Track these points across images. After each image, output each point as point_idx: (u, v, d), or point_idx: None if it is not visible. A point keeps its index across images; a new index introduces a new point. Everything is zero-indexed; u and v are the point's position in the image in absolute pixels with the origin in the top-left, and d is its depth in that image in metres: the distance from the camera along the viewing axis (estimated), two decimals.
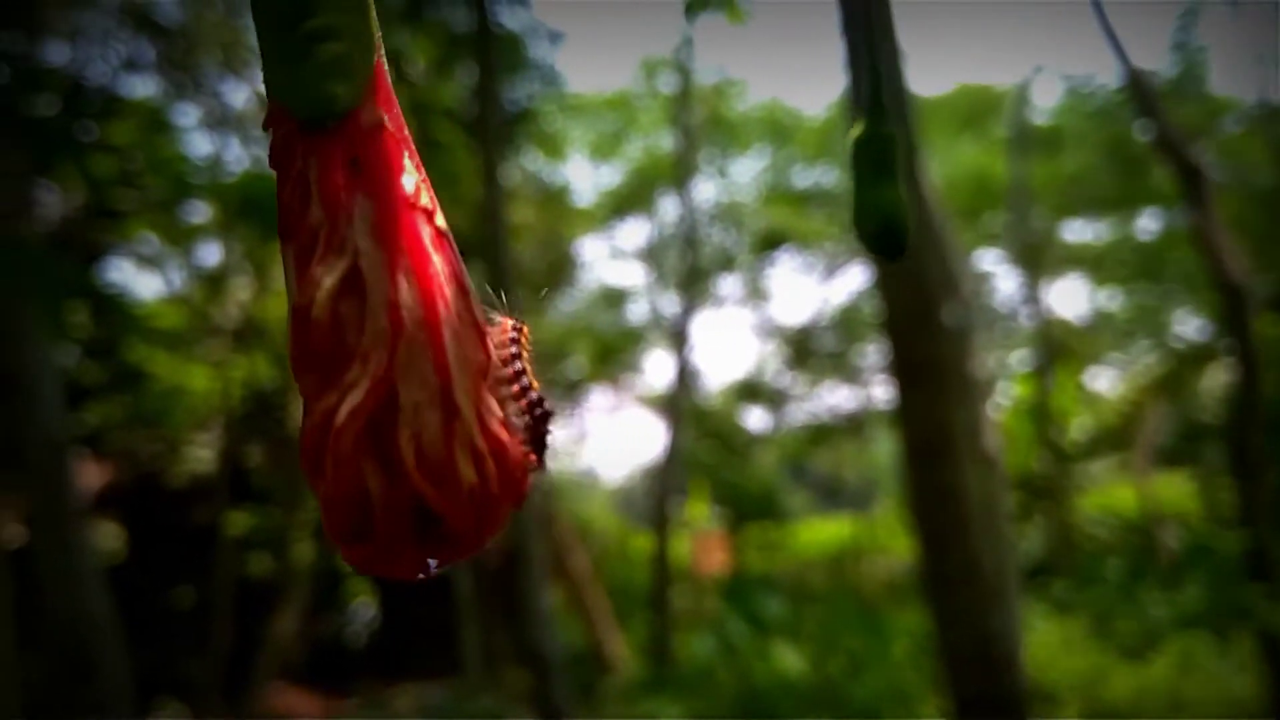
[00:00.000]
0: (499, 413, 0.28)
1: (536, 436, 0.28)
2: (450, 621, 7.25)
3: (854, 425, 12.40)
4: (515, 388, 0.29)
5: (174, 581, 7.64)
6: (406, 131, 0.31)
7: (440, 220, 0.29)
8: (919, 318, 2.68)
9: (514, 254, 7.37)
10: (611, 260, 13.60)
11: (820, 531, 11.96)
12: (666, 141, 10.46)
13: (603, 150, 11.42)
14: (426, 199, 0.30)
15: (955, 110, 11.11)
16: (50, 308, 1.44)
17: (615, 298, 12.07)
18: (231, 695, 6.56)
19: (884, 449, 12.14)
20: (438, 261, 0.28)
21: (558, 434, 0.29)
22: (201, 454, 7.64)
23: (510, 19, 6.26)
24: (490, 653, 7.57)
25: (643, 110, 10.95)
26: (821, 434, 12.68)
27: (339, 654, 8.46)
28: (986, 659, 2.58)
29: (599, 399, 11.97)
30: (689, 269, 9.46)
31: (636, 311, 12.21)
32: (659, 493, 8.75)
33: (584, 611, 8.09)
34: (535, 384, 0.29)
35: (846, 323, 11.72)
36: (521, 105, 6.90)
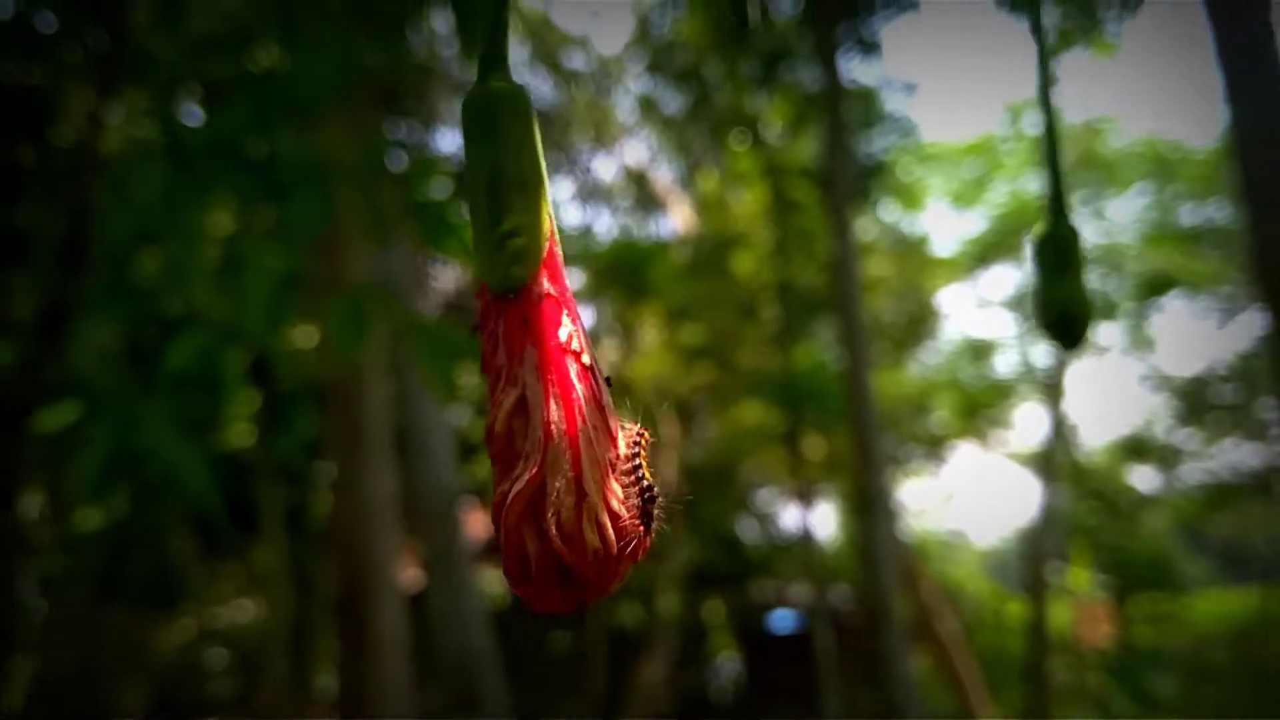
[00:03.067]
0: (621, 495, 0.39)
1: (645, 514, 0.39)
2: (813, 680, 7.18)
3: (1260, 485, 11.10)
4: (632, 478, 0.40)
5: (551, 626, 8.10)
6: (569, 293, 0.43)
7: (587, 358, 0.41)
8: None
9: (870, 308, 7.28)
10: (978, 310, 13.10)
11: (1221, 603, 10.74)
12: (1033, 184, 10.00)
13: (965, 198, 11.07)
14: (578, 343, 0.41)
15: None
16: (442, 372, 1.61)
17: (982, 349, 11.59)
18: None
19: None
20: (580, 389, 0.40)
21: (661, 513, 0.40)
22: None
23: (863, 75, 6.26)
24: (852, 712, 7.41)
25: (1007, 154, 10.54)
26: (1222, 495, 11.44)
27: (705, 706, 8.60)
28: None
29: (966, 456, 11.50)
30: None
31: (1005, 363, 11.65)
32: (1035, 557, 8.24)
33: (953, 677, 7.73)
34: (649, 476, 0.40)
35: (1247, 372, 10.57)
36: (877, 158, 6.86)
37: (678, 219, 7.96)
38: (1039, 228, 0.62)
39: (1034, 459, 9.96)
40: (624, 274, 6.85)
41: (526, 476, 0.38)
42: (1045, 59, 0.71)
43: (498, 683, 4.10)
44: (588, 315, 7.82)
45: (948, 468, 10.92)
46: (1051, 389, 8.46)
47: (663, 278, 7.01)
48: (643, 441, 0.41)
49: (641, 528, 0.39)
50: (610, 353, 7.72)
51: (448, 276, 7.57)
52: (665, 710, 7.62)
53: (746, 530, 9.70)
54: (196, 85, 2.54)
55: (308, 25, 2.04)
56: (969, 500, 15.01)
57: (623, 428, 0.42)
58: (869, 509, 4.92)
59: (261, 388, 4.76)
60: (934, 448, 10.77)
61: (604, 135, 7.19)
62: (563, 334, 0.41)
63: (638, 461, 0.40)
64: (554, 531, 0.37)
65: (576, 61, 7.28)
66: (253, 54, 2.30)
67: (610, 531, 0.38)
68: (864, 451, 4.95)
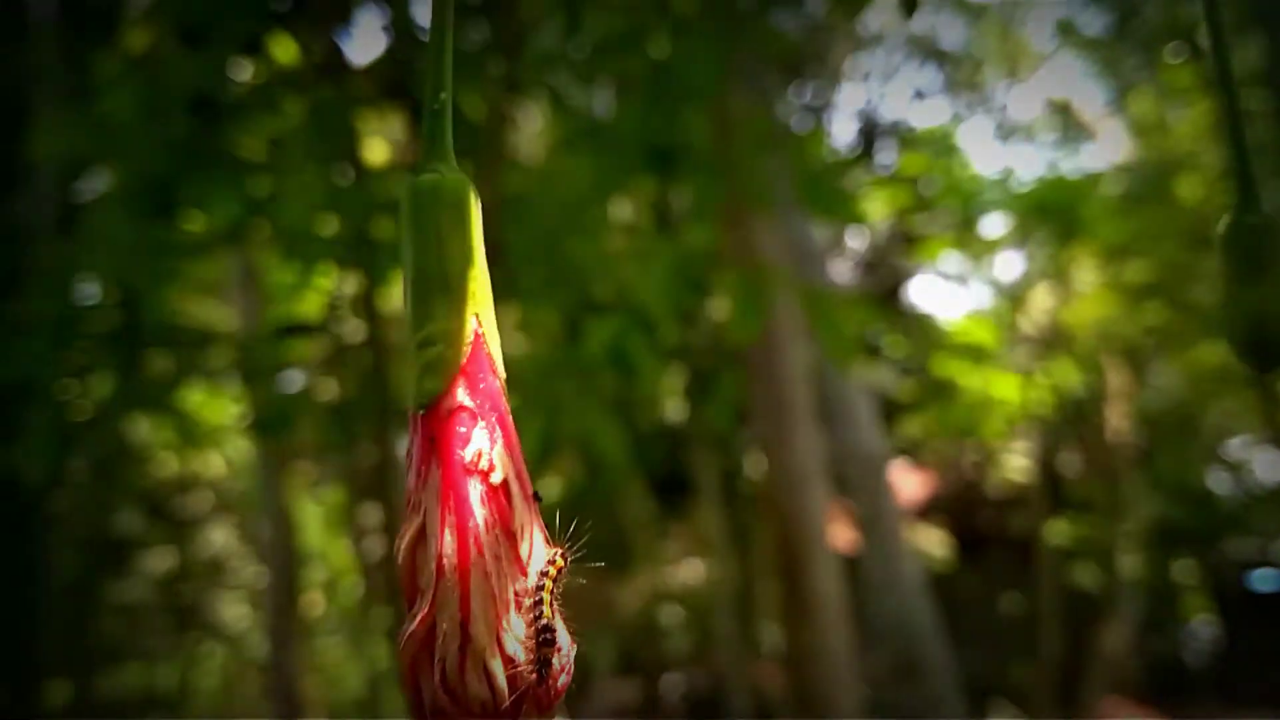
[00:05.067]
0: (520, 636, 0.35)
1: (541, 658, 0.35)
2: None
3: None
4: (533, 615, 0.35)
5: (1001, 588, 7.80)
6: (495, 400, 0.39)
7: (499, 476, 0.37)
8: None
9: None
10: None
11: None
12: None
13: None
14: (487, 462, 0.37)
15: None
16: (840, 339, 1.60)
17: None
18: (1063, 703, 6.50)
19: None
20: (482, 515, 0.36)
21: (560, 657, 0.35)
22: (1018, 463, 7.72)
23: None
24: None
25: None
26: None
27: (1178, 672, 7.92)
28: None
29: None
30: None
31: None
32: None
33: None
34: (549, 613, 0.35)
35: None
36: None
37: (1109, 148, 7.32)
38: (1225, 219, 0.50)
39: None
40: (1053, 213, 6.41)
41: (419, 616, 0.35)
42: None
43: (939, 650, 4.01)
44: (1016, 261, 7.42)
45: None
46: None
47: (1097, 213, 6.48)
48: (552, 571, 0.37)
49: (535, 674, 0.35)
50: (1045, 299, 7.27)
51: (865, 237, 7.49)
52: (1129, 678, 7.10)
53: (1218, 483, 8.80)
54: (598, 79, 2.67)
55: (691, 17, 2.08)
56: None
57: (541, 553, 0.37)
58: None
59: (688, 361, 4.97)
60: None
61: (1019, 68, 6.76)
62: (469, 452, 0.37)
63: (540, 596, 0.36)
64: (438, 680, 0.34)
65: None
66: (645, 47, 2.38)
67: (500, 680, 0.34)
68: None
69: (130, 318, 2.71)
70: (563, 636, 0.36)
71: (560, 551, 0.38)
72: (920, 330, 7.42)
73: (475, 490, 0.37)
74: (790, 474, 3.64)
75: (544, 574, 0.37)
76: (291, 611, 5.06)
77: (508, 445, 0.38)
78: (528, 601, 0.36)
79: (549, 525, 0.39)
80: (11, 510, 3.49)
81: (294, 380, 3.25)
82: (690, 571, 7.57)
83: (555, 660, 0.35)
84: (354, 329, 3.62)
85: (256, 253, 3.42)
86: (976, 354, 6.86)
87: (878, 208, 7.11)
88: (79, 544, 4.45)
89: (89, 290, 2.73)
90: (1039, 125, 7.00)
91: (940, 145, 6.53)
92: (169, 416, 4.91)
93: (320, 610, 6.37)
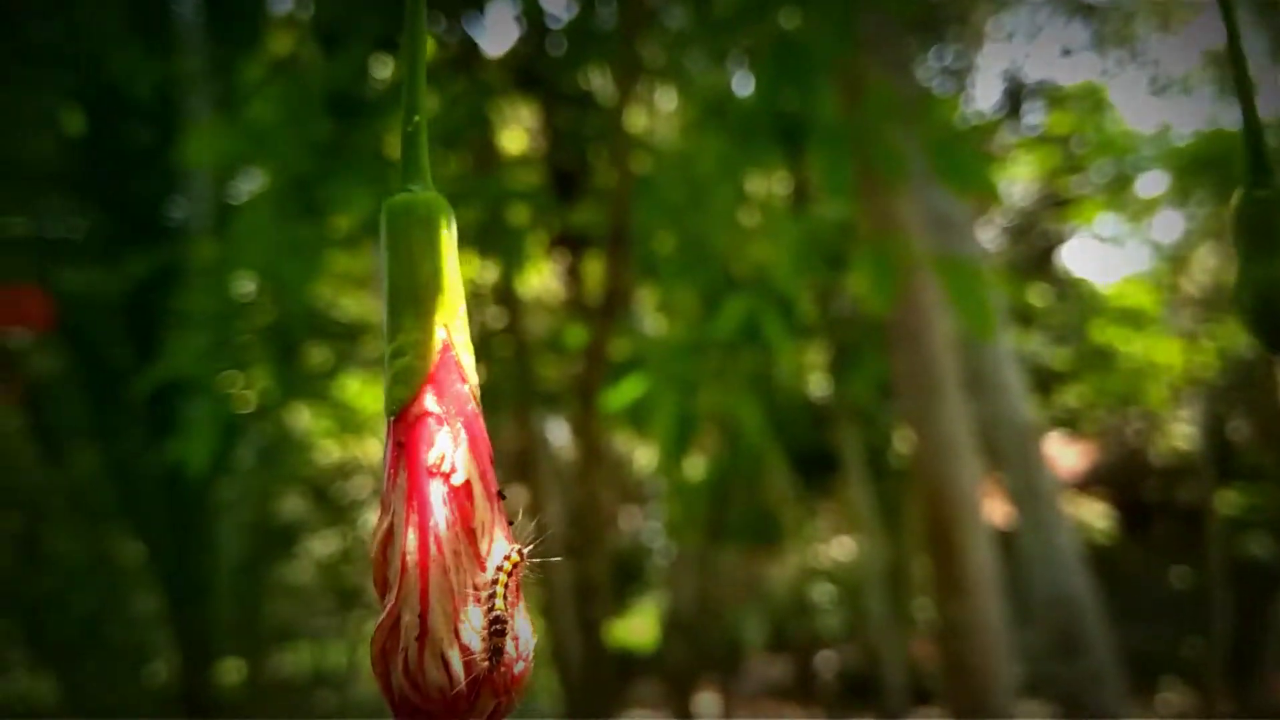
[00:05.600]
0: (477, 626, 0.38)
1: (494, 647, 0.37)
2: None
3: None
4: (488, 606, 0.38)
5: (1168, 561, 7.48)
6: (463, 406, 0.41)
7: (460, 477, 0.39)
8: None
9: None
10: None
11: None
12: None
13: None
14: (449, 464, 0.40)
15: None
16: (976, 308, 1.55)
17: None
18: (1237, 680, 6.21)
19: None
20: (440, 515, 0.39)
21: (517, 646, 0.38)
22: (1183, 430, 7.37)
23: None
24: None
25: None
26: None
27: None
28: None
29: None
30: None
31: None
32: None
33: None
34: (502, 605, 0.38)
35: None
36: None
37: (1272, 98, 6.87)
38: (1239, 192, 0.50)
39: None
40: (1214, 168, 6.07)
41: (387, 609, 0.38)
42: None
43: (1099, 624, 3.87)
44: (1175, 221, 7.06)
45: None
46: None
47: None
48: (508, 565, 0.39)
49: (488, 662, 0.37)
50: (1208, 259, 6.91)
51: (1013, 202, 7.25)
52: None
53: None
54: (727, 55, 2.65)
55: None
56: None
57: (500, 549, 0.40)
58: None
59: (830, 335, 4.91)
60: None
61: (1171, 20, 6.41)
62: (432, 455, 0.40)
63: (495, 589, 0.38)
64: (400, 669, 0.37)
65: None
66: (773, 17, 2.35)
67: (456, 667, 0.37)
68: None
69: (285, 313, 2.83)
70: (523, 627, 0.39)
71: (518, 548, 0.40)
72: (1075, 296, 7.15)
73: (438, 491, 0.39)
74: (938, 447, 3.55)
75: (500, 568, 0.39)
76: None
77: (474, 448, 0.41)
78: (484, 594, 0.38)
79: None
80: (182, 499, 3.70)
81: None
82: (841, 548, 7.50)
83: (510, 649, 0.38)
84: (495, 316, 3.70)
85: None
86: (1136, 318, 6.57)
87: (1026, 170, 6.87)
88: (247, 529, 4.68)
89: (245, 287, 2.86)
90: (1195, 78, 6.64)
91: (1091, 102, 6.26)
92: (327, 406, 5.12)
93: None
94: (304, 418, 5.23)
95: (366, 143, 2.65)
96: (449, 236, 0.44)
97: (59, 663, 4.19)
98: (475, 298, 3.37)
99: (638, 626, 7.84)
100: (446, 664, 0.37)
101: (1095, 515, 7.16)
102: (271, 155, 2.58)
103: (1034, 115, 7.27)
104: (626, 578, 7.60)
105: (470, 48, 3.07)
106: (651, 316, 4.20)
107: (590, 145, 3.03)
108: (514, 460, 3.42)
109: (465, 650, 0.37)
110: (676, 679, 6.20)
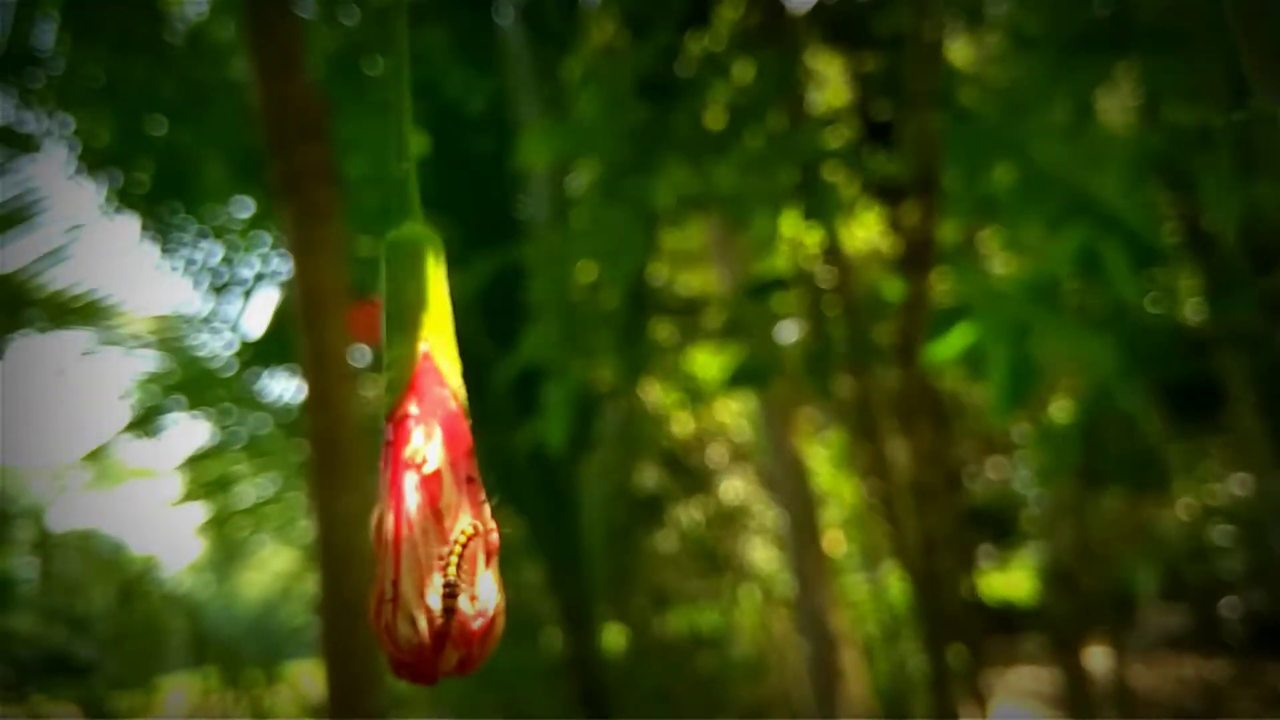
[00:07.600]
0: (440, 593, 0.44)
1: (445, 609, 0.44)
2: None
3: None
4: (442, 577, 0.45)
5: None
6: (441, 408, 0.48)
7: (432, 466, 0.46)
8: None
9: None
10: None
11: None
12: None
13: None
14: (421, 456, 0.47)
15: None
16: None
17: None
18: None
19: None
20: (412, 500, 0.46)
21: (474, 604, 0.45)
22: None
23: None
24: None
25: None
26: None
27: None
28: None
29: None
30: None
31: None
32: None
33: None
34: (452, 572, 0.45)
35: None
36: None
37: None
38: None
39: None
40: None
41: (375, 580, 0.45)
42: None
43: None
44: None
45: None
46: None
47: None
48: (462, 538, 0.46)
49: (441, 622, 0.44)
50: None
51: None
52: None
53: None
54: None
55: None
56: None
57: (462, 526, 0.46)
58: None
59: (1205, 256, 4.46)
60: None
61: None
62: (409, 450, 0.47)
63: (449, 559, 0.45)
64: (380, 627, 0.44)
65: None
66: None
67: (422, 625, 0.44)
68: None
69: (625, 294, 2.97)
70: (485, 588, 0.46)
71: (473, 523, 0.47)
72: None
73: (411, 480, 0.47)
74: None
75: (455, 541, 0.46)
76: (814, 551, 5.25)
77: (449, 441, 0.48)
78: (441, 564, 0.45)
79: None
80: (549, 476, 3.98)
81: (789, 332, 3.36)
82: (1239, 485, 6.83)
83: (466, 607, 0.45)
84: (825, 275, 3.68)
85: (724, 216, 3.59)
86: None
87: None
88: (614, 501, 4.95)
89: (587, 275, 3.02)
90: None
91: None
92: (677, 379, 5.30)
93: (842, 549, 6.54)
94: (655, 392, 5.44)
95: (682, 122, 2.72)
96: (435, 264, 0.51)
97: None
98: (805, 259, 3.36)
99: (1015, 579, 7.55)
100: (414, 623, 0.44)
101: None
102: (595, 148, 2.71)
103: None
104: (999, 530, 7.34)
105: (775, 7, 3.06)
106: (998, 259, 4.01)
107: (903, 92, 2.94)
108: (858, 417, 3.39)
109: (429, 611, 0.44)
110: (1061, 632, 5.91)
